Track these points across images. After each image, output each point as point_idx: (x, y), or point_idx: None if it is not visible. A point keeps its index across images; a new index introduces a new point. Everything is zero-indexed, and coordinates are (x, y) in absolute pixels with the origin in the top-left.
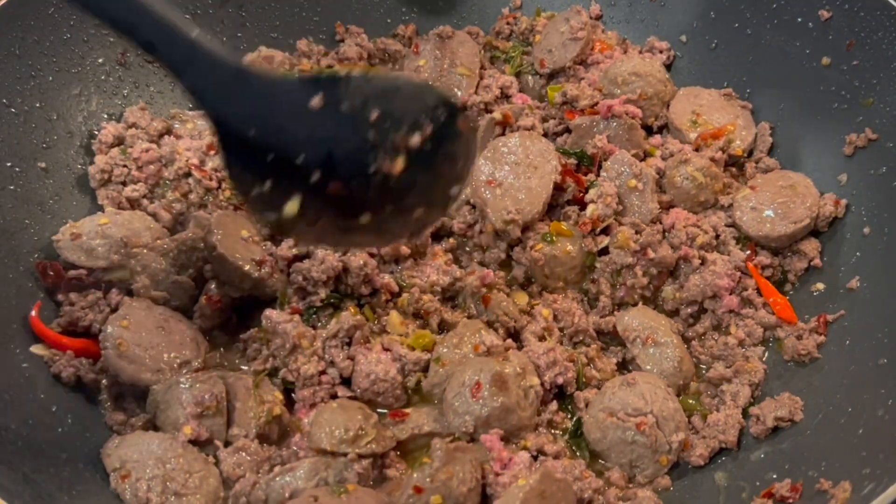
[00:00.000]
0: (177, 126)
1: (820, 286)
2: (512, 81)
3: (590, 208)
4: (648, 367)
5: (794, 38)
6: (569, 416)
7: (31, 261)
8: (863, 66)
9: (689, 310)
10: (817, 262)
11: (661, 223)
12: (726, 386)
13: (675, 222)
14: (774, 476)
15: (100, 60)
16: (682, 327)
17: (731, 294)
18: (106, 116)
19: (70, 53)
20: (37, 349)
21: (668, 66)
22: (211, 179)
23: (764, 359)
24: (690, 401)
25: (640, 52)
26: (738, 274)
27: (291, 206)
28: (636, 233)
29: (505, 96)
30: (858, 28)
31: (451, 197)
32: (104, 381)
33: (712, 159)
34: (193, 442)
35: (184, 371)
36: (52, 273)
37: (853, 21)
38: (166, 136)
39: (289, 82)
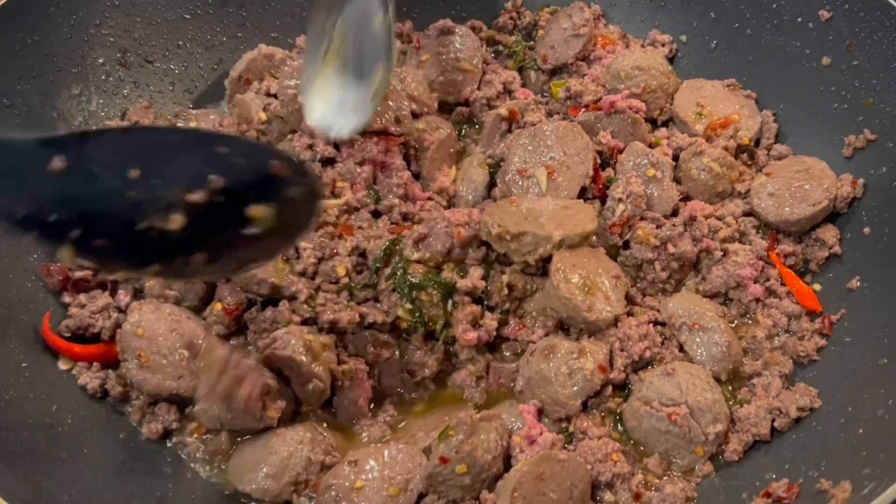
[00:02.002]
0: (180, 125)
1: (818, 286)
2: (514, 77)
3: (619, 209)
4: (698, 354)
5: (794, 38)
6: (623, 400)
7: (30, 261)
8: (863, 66)
9: (714, 301)
10: (837, 249)
11: (679, 215)
12: (757, 379)
13: (694, 214)
14: (774, 476)
15: (100, 60)
16: (727, 311)
17: (755, 283)
18: (104, 116)
19: (70, 53)
20: (63, 364)
21: (671, 60)
22: None
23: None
24: (726, 393)
25: (643, 46)
26: (761, 263)
27: (62, 256)
28: (656, 227)
29: (507, 91)
30: (859, 28)
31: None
32: (132, 393)
33: (725, 148)
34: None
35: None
36: (58, 276)
37: (853, 21)
38: None
39: (25, 145)
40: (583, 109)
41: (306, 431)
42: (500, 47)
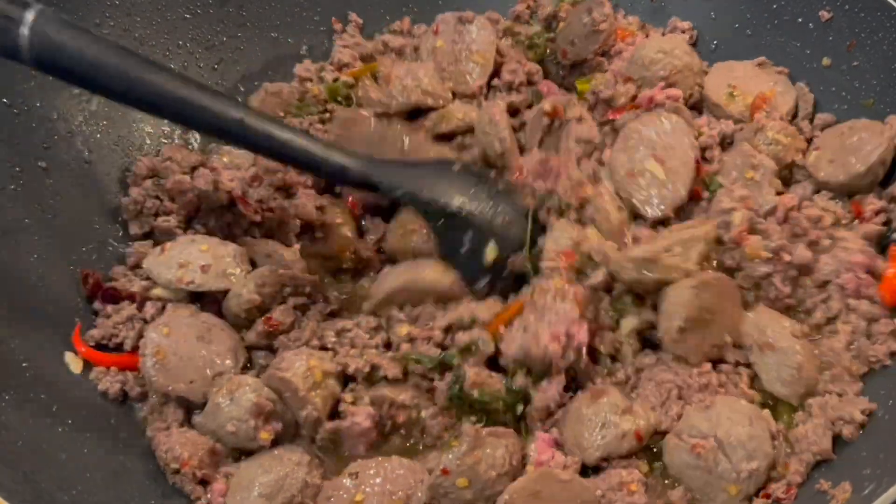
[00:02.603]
0: (214, 158)
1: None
2: (538, 69)
3: (736, 216)
4: (765, 376)
5: (794, 38)
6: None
7: (30, 260)
8: (863, 66)
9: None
10: None
11: (772, 216)
12: (815, 399)
13: (785, 209)
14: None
15: None
16: (805, 329)
17: (866, 272)
18: (104, 115)
19: None
20: (75, 367)
21: (693, 45)
22: (256, 213)
23: None
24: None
25: (663, 34)
26: (872, 251)
27: (491, 254)
28: (760, 238)
29: (530, 83)
30: (859, 29)
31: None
32: (151, 394)
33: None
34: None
35: (215, 382)
36: (91, 282)
37: (854, 22)
38: (200, 168)
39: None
40: (620, 112)
41: (304, 453)
42: (521, 37)
